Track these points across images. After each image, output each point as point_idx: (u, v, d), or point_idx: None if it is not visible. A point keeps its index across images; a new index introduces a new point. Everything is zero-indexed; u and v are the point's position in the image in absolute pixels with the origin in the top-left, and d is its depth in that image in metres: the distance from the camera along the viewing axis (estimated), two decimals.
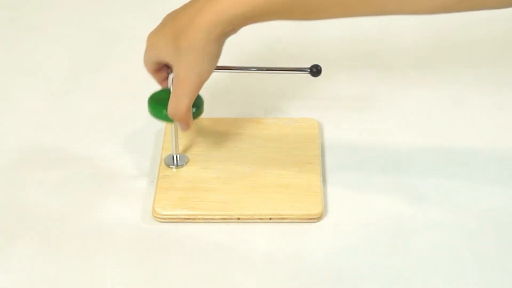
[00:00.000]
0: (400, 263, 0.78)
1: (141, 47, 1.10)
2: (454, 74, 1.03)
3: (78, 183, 0.88)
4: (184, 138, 0.91)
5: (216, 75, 1.01)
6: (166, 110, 0.82)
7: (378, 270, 0.78)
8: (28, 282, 0.78)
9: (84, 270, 0.78)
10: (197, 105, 0.84)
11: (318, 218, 0.83)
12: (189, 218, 0.83)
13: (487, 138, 0.93)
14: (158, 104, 0.84)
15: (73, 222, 0.83)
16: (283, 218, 0.83)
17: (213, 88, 1.01)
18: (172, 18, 0.82)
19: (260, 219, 0.83)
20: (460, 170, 0.88)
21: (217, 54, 0.79)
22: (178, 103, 0.81)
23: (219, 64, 0.84)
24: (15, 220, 0.84)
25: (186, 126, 0.83)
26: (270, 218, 0.83)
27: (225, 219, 0.83)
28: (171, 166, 0.88)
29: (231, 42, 1.12)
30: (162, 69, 0.85)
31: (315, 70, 0.82)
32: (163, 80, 0.86)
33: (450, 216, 0.83)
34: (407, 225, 0.82)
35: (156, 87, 1.02)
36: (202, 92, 1.01)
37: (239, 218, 0.83)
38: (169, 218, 0.83)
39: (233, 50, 1.10)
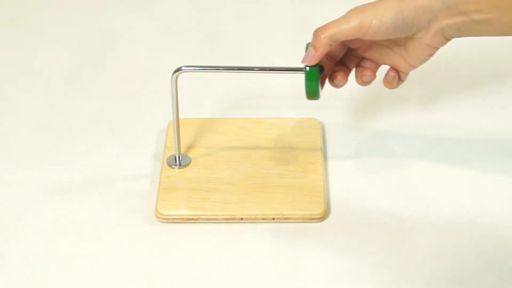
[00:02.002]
0: (400, 263, 0.78)
1: (141, 47, 1.11)
2: (454, 73, 1.03)
3: (79, 183, 0.88)
4: (186, 139, 0.91)
5: (217, 75, 1.02)
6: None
7: (379, 270, 0.78)
8: (28, 282, 0.77)
9: (85, 271, 0.78)
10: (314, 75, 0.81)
11: (320, 218, 0.83)
12: (192, 219, 0.83)
13: (487, 138, 0.93)
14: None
15: (73, 222, 0.83)
16: (285, 218, 0.83)
17: (215, 88, 1.02)
18: None
19: (263, 219, 0.83)
20: (460, 170, 0.88)
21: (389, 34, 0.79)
22: (325, 29, 0.79)
23: (219, 64, 0.84)
24: (15, 220, 0.83)
25: (310, 53, 0.80)
26: (273, 218, 0.83)
27: (228, 220, 0.83)
28: (173, 167, 0.88)
29: (232, 43, 1.12)
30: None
31: None
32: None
33: (450, 216, 0.83)
34: (407, 225, 0.82)
35: (156, 87, 1.02)
36: (203, 92, 1.01)
37: (242, 218, 0.83)
38: (172, 219, 0.83)
39: (235, 50, 1.10)
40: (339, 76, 0.83)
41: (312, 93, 0.82)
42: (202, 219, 0.83)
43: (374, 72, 0.84)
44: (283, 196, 0.84)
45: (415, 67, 0.82)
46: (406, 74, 0.84)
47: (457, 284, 0.77)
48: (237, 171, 0.87)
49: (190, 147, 0.90)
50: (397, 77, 0.84)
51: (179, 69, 0.83)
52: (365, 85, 0.85)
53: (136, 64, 1.07)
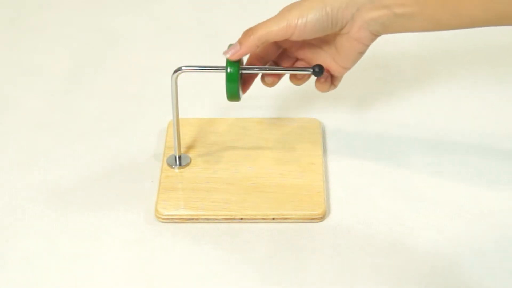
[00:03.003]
0: (400, 263, 0.78)
1: (141, 47, 1.11)
2: (454, 74, 1.03)
3: (79, 183, 0.88)
4: (186, 139, 0.91)
5: (217, 75, 1.01)
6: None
7: (379, 270, 0.78)
8: (28, 282, 0.77)
9: (85, 271, 0.78)
10: (233, 76, 0.82)
11: (320, 218, 0.83)
12: (192, 219, 0.83)
13: (487, 138, 0.93)
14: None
15: (73, 222, 0.83)
16: (286, 218, 0.83)
17: (215, 88, 1.01)
18: None
19: (263, 219, 0.83)
20: (460, 170, 0.88)
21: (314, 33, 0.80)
22: (254, 30, 0.80)
23: (219, 64, 0.84)
24: (15, 220, 0.83)
25: (236, 47, 0.81)
26: (273, 218, 0.83)
27: (228, 220, 0.83)
28: (173, 167, 0.88)
29: (232, 43, 1.12)
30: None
31: (318, 70, 0.82)
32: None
33: (450, 216, 0.83)
34: (408, 225, 0.82)
35: (156, 87, 1.02)
36: (203, 92, 1.01)
37: (242, 218, 0.83)
38: (172, 219, 0.83)
39: None
40: (269, 75, 0.84)
41: (234, 94, 0.82)
42: (202, 219, 0.83)
43: None
44: (283, 196, 0.84)
45: (346, 68, 0.83)
46: (339, 78, 0.85)
47: (457, 284, 0.77)
48: (237, 171, 0.87)
49: (190, 147, 0.90)
50: (329, 78, 0.84)
51: (179, 69, 0.83)
52: (300, 84, 0.86)
53: (136, 64, 1.07)
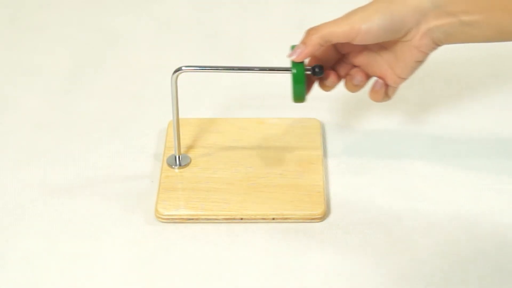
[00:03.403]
0: (400, 263, 0.78)
1: (141, 47, 1.11)
2: (454, 73, 1.03)
3: (79, 183, 0.88)
4: (186, 139, 0.91)
5: (217, 75, 1.01)
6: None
7: (379, 270, 0.78)
8: (28, 282, 0.77)
9: (85, 271, 0.78)
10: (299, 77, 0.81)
11: (320, 218, 0.83)
12: (192, 219, 0.83)
13: (487, 138, 0.93)
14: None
15: (73, 222, 0.83)
16: (286, 218, 0.83)
17: (215, 88, 1.02)
18: None
19: (263, 219, 0.83)
20: (460, 169, 0.88)
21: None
22: (318, 29, 0.79)
23: (219, 64, 0.84)
24: (15, 220, 0.83)
25: (299, 49, 0.80)
26: (273, 218, 0.83)
27: (228, 220, 0.83)
28: (173, 167, 0.88)
29: (232, 43, 1.12)
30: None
31: (318, 70, 0.82)
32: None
33: (450, 216, 0.83)
34: (408, 225, 0.82)
35: (156, 87, 1.02)
36: (203, 92, 1.01)
37: (242, 218, 0.83)
38: (172, 219, 0.83)
39: (235, 50, 1.10)
40: (332, 75, 0.83)
41: (299, 96, 0.82)
42: (202, 219, 0.83)
43: (365, 76, 0.83)
44: (283, 196, 0.84)
45: (402, 78, 0.82)
46: (394, 89, 0.84)
47: (457, 284, 0.77)
48: (237, 171, 0.87)
49: (190, 147, 0.90)
50: (384, 87, 0.83)
51: (179, 69, 0.83)
52: (355, 91, 0.84)
53: (136, 64, 1.07)
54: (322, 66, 0.82)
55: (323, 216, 0.83)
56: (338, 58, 0.84)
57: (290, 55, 0.81)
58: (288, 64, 0.85)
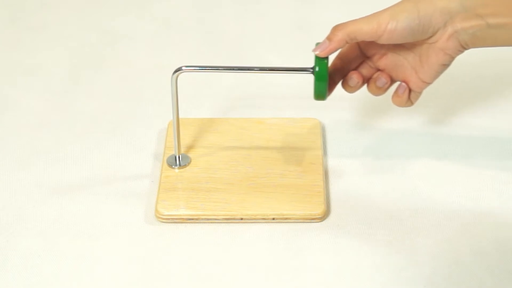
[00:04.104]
0: (400, 263, 0.78)
1: (141, 47, 1.11)
2: (454, 73, 1.03)
3: (79, 183, 0.88)
4: (186, 139, 0.91)
5: (217, 75, 1.01)
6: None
7: (379, 270, 0.78)
8: (28, 282, 0.77)
9: (85, 271, 0.78)
10: (322, 74, 0.80)
11: (321, 218, 0.83)
12: (192, 219, 0.83)
13: (487, 138, 0.93)
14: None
15: (73, 222, 0.83)
16: (286, 218, 0.83)
17: (215, 88, 1.02)
18: None
19: (263, 219, 0.83)
20: (460, 169, 0.88)
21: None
22: (344, 26, 0.79)
23: (219, 64, 0.84)
24: (15, 220, 0.83)
25: (325, 44, 0.79)
26: (273, 218, 0.83)
27: (228, 220, 0.83)
28: (173, 167, 0.88)
29: (232, 43, 1.12)
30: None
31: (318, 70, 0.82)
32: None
33: (450, 216, 0.83)
34: (407, 225, 0.82)
35: (156, 87, 1.02)
36: (203, 92, 1.01)
37: (242, 219, 0.83)
38: (172, 219, 0.83)
39: (235, 50, 1.10)
40: (355, 75, 0.83)
41: (321, 93, 0.81)
42: (202, 219, 0.83)
43: (389, 79, 0.83)
44: (283, 196, 0.84)
45: (426, 83, 0.82)
46: (417, 94, 0.83)
47: (457, 284, 0.77)
48: (237, 171, 0.87)
49: (190, 147, 0.90)
50: (407, 92, 0.83)
51: (179, 69, 0.83)
52: (379, 94, 0.84)
53: (136, 64, 1.07)
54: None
55: (323, 216, 0.83)
56: (363, 60, 0.84)
57: (314, 50, 0.80)
58: (288, 64, 0.85)
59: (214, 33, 1.12)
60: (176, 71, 0.83)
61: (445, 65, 0.80)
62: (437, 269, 0.78)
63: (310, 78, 0.83)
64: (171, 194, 0.84)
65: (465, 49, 0.79)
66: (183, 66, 0.83)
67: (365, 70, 0.84)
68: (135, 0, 1.19)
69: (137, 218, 0.83)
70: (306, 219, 0.83)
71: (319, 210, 0.83)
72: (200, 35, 1.12)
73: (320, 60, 0.80)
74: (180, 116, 0.86)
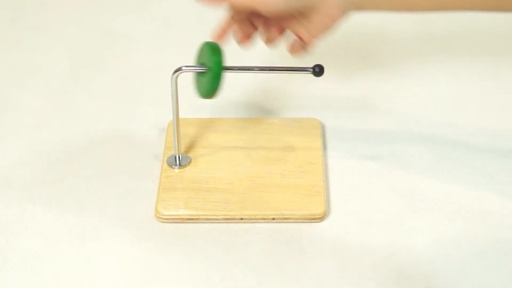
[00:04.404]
0: (400, 263, 0.78)
1: (141, 47, 1.11)
2: (453, 74, 1.04)
3: (79, 183, 0.88)
4: (186, 139, 0.91)
5: None
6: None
7: (379, 270, 0.78)
8: (28, 282, 0.77)
9: (85, 271, 0.78)
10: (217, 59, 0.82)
11: (321, 218, 0.83)
12: (192, 219, 0.83)
13: (487, 138, 0.93)
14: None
15: (73, 222, 0.83)
16: (286, 218, 0.83)
17: None
18: None
19: (263, 219, 0.83)
20: (460, 169, 0.88)
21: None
22: None
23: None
24: (15, 220, 0.83)
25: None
26: (273, 218, 0.83)
27: (228, 220, 0.83)
28: (173, 167, 0.88)
29: (231, 42, 1.12)
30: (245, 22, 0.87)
31: (318, 70, 0.82)
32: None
33: (450, 216, 0.83)
34: (408, 225, 0.82)
35: (156, 87, 1.02)
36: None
37: (242, 218, 0.83)
38: (172, 219, 0.83)
39: (235, 50, 1.10)
40: (247, 24, 0.86)
41: (213, 91, 0.83)
42: (202, 219, 0.83)
43: (280, 31, 0.86)
44: (283, 196, 0.84)
45: (316, 37, 0.84)
46: (311, 45, 0.86)
47: (457, 284, 0.77)
48: (237, 171, 0.87)
49: (190, 147, 0.90)
50: (300, 44, 0.86)
51: (179, 69, 0.83)
52: (270, 45, 0.87)
53: (136, 64, 1.07)
54: (321, 66, 0.82)
55: (323, 216, 0.83)
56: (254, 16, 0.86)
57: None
58: (288, 64, 0.85)
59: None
60: (176, 71, 0.83)
61: (331, 28, 0.83)
62: (437, 269, 0.78)
63: (311, 78, 0.83)
64: (171, 194, 0.84)
65: (348, 13, 0.82)
66: (183, 66, 0.83)
67: (256, 19, 0.86)
68: (135, 0, 1.19)
69: (137, 218, 0.83)
70: (306, 219, 0.83)
71: (319, 210, 0.83)
72: (200, 35, 1.12)
73: (215, 57, 0.81)
74: (180, 116, 0.86)
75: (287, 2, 0.80)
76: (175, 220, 0.83)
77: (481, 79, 1.03)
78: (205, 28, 1.14)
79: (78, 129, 0.95)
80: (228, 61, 0.84)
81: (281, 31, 0.86)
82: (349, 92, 0.99)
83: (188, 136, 0.91)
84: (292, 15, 0.84)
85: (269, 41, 0.87)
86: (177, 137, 0.87)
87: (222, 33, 0.87)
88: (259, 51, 1.08)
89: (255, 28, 0.86)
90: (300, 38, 0.85)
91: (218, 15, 1.16)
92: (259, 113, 0.96)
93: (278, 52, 1.08)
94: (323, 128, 0.94)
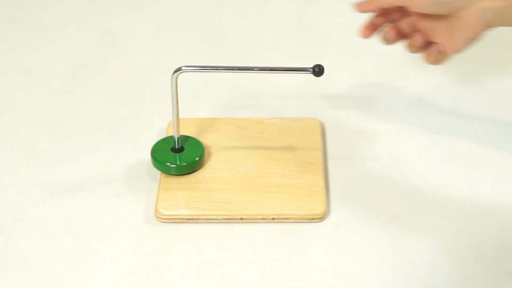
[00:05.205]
0: (400, 263, 0.78)
1: (141, 47, 1.11)
2: (454, 74, 1.03)
3: (79, 183, 0.88)
4: None
5: (217, 75, 1.01)
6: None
7: (379, 270, 0.78)
8: (28, 282, 0.77)
9: (85, 271, 0.78)
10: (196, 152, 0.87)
11: (320, 218, 0.83)
12: (192, 219, 0.83)
13: (487, 138, 0.93)
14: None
15: (73, 222, 0.83)
16: (285, 218, 0.83)
17: (215, 88, 1.02)
18: None
19: (263, 219, 0.83)
20: (460, 170, 0.88)
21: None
22: None
23: (219, 64, 0.84)
24: (15, 220, 0.83)
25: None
26: (273, 218, 0.83)
27: (228, 219, 0.83)
28: None
29: (232, 42, 1.12)
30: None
31: (318, 70, 0.82)
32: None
33: (450, 216, 0.83)
34: (408, 225, 0.82)
35: (156, 87, 1.02)
36: (203, 92, 1.01)
37: (242, 218, 0.83)
38: (172, 219, 0.83)
39: (235, 50, 1.10)
40: (392, 31, 0.86)
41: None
42: (202, 219, 0.83)
43: (425, 40, 0.85)
44: (283, 196, 0.84)
45: (458, 51, 0.83)
46: (448, 57, 0.85)
47: (457, 284, 0.77)
48: (237, 171, 0.87)
49: None
50: (438, 51, 0.85)
51: (179, 69, 0.83)
52: (414, 51, 0.86)
53: (136, 64, 1.07)
54: (321, 66, 0.82)
55: (323, 216, 0.83)
56: (402, 15, 0.86)
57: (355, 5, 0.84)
58: (289, 64, 0.85)
59: (214, 33, 1.12)
60: (176, 71, 0.83)
61: (472, 39, 0.81)
62: (437, 269, 0.78)
63: (311, 78, 0.83)
64: (171, 194, 0.84)
65: (490, 27, 0.80)
66: (183, 66, 0.83)
67: (404, 26, 0.86)
68: (135, 0, 1.19)
69: (137, 218, 0.83)
70: (306, 219, 0.83)
71: (319, 210, 0.83)
72: (200, 35, 1.12)
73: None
74: (180, 116, 0.86)
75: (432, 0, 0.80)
76: (175, 220, 0.83)
77: (482, 78, 1.03)
78: (205, 28, 1.14)
79: (78, 129, 0.95)
80: (228, 61, 0.84)
81: (425, 37, 0.85)
82: (349, 92, 0.99)
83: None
84: (440, 19, 0.83)
85: (413, 47, 0.86)
86: (177, 137, 0.87)
87: (372, 28, 0.87)
88: (258, 51, 1.09)
89: (400, 35, 0.87)
90: (443, 49, 0.84)
91: (218, 15, 1.17)
92: (259, 113, 0.96)
93: (279, 52, 1.08)
94: (323, 128, 0.94)
